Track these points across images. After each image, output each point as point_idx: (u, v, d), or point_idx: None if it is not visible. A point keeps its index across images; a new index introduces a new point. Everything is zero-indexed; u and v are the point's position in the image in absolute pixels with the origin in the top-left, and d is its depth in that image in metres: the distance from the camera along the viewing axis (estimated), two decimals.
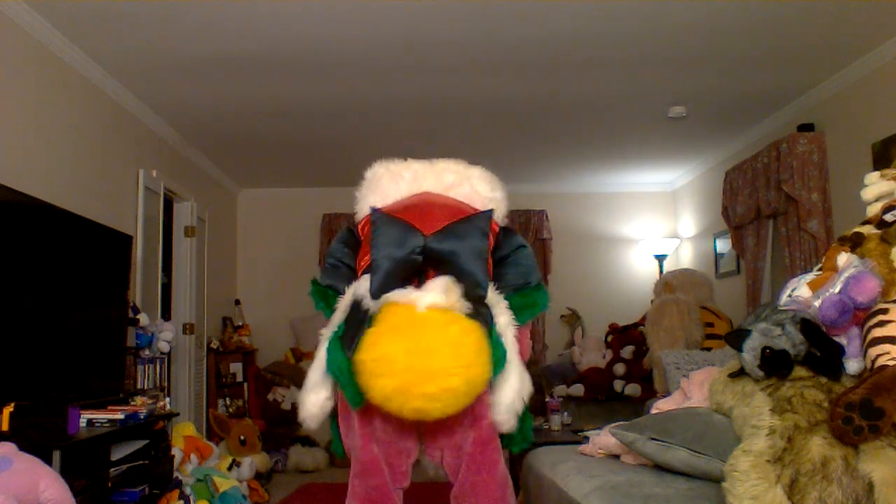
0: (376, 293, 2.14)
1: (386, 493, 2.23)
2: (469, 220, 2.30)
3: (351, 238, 2.48)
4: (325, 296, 2.38)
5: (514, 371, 2.16)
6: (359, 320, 2.14)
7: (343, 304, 2.25)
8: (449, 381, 1.94)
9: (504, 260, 2.39)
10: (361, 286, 2.23)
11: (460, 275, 2.18)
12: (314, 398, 2.22)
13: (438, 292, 2.06)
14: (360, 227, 2.50)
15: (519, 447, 2.37)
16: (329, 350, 2.16)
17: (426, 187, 2.50)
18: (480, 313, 2.14)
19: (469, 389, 1.98)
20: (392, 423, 2.19)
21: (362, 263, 2.36)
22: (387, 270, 2.18)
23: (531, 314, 2.34)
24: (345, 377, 2.09)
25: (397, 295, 2.09)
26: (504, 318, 2.20)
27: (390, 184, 2.52)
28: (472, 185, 2.52)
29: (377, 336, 2.01)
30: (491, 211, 2.35)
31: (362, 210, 2.54)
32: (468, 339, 2.00)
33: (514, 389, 2.15)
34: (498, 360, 2.12)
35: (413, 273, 2.22)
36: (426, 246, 2.20)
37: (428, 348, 1.95)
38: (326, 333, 2.22)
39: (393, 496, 2.25)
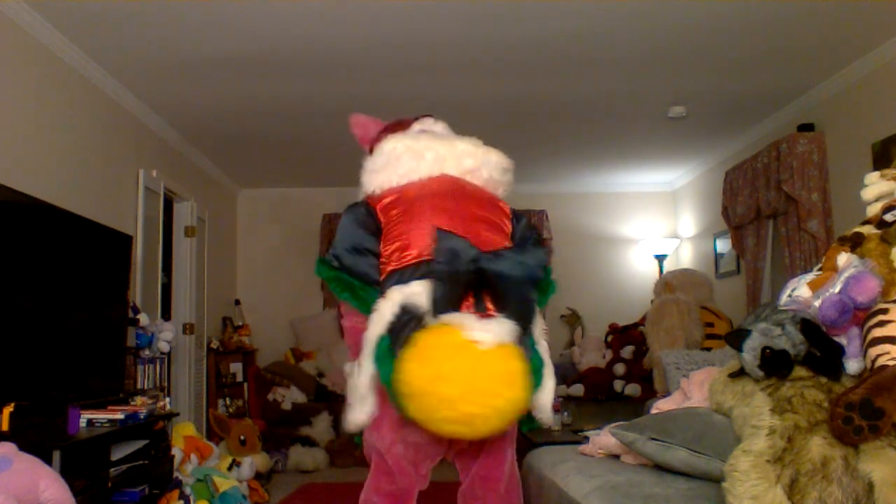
0: (437, 311, 2.11)
1: (411, 495, 2.23)
2: (532, 250, 2.29)
3: (370, 220, 2.34)
4: (351, 286, 2.28)
5: (550, 376, 2.24)
6: (409, 332, 2.10)
7: (388, 308, 2.16)
8: (488, 422, 2.00)
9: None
10: (412, 293, 2.16)
11: (511, 299, 2.18)
12: (367, 408, 2.17)
13: (501, 334, 2.04)
14: (378, 207, 2.35)
15: (528, 427, 2.37)
16: (380, 360, 2.12)
17: (446, 170, 2.43)
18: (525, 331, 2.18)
19: (503, 422, 2.06)
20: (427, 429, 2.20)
21: (392, 257, 2.26)
22: (449, 289, 2.13)
23: (545, 300, 2.40)
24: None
25: (455, 319, 2.07)
26: (540, 327, 2.27)
27: (410, 162, 2.40)
28: (489, 171, 2.51)
29: (419, 360, 2.01)
30: (549, 249, 2.36)
31: (372, 185, 2.40)
32: (516, 381, 2.03)
33: (550, 393, 2.24)
34: (536, 370, 2.17)
35: (467, 288, 2.20)
36: (482, 267, 2.17)
37: (425, 377, 1.98)
38: (372, 338, 2.15)
39: (414, 499, 2.25)
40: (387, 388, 2.10)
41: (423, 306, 2.12)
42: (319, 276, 2.36)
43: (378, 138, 2.57)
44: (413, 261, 2.24)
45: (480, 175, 2.48)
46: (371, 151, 2.56)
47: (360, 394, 2.17)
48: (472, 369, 1.97)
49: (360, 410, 2.17)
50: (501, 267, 2.15)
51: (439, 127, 2.66)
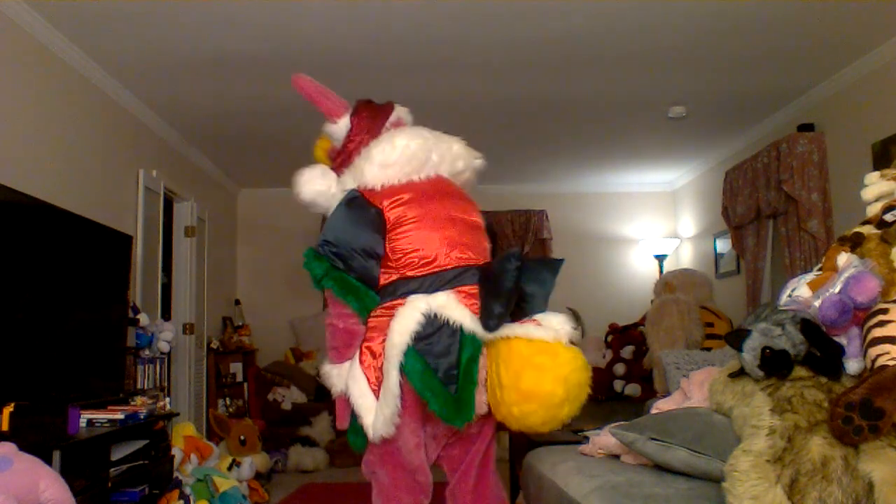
0: (496, 327, 2.17)
1: (428, 486, 2.27)
2: (554, 266, 2.39)
3: (380, 221, 2.27)
4: (356, 290, 2.24)
5: None
6: (447, 343, 2.14)
7: (412, 316, 2.16)
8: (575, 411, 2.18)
9: None
10: (440, 305, 2.18)
11: (529, 314, 2.27)
12: (396, 419, 2.17)
13: (570, 328, 2.20)
14: (385, 207, 2.29)
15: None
16: (413, 371, 2.12)
17: (440, 171, 2.43)
18: None
19: None
20: (441, 429, 2.25)
21: (405, 262, 2.24)
22: (508, 305, 2.21)
23: None
24: (439, 399, 2.11)
25: (535, 331, 2.16)
26: None
27: (418, 161, 2.37)
28: (470, 173, 2.53)
29: (556, 374, 2.11)
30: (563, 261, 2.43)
31: (379, 180, 2.31)
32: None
33: None
34: None
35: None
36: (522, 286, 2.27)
37: (578, 384, 2.14)
38: (398, 346, 2.13)
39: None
40: (428, 398, 2.12)
41: (455, 319, 2.16)
42: (312, 271, 2.27)
43: (368, 122, 2.50)
44: (436, 269, 2.25)
45: (463, 176, 2.50)
46: (358, 132, 2.47)
47: (390, 403, 2.13)
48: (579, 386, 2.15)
49: (389, 421, 2.14)
50: (531, 289, 2.28)
51: (410, 116, 2.67)
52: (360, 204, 2.30)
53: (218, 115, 5.12)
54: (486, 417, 2.27)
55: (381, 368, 2.19)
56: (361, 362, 2.23)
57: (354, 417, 2.27)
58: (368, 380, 2.21)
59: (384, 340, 2.21)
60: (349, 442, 2.35)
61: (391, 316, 2.21)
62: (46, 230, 3.27)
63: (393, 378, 2.13)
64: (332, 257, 2.25)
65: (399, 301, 2.22)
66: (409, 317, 2.16)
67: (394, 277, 2.26)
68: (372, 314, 2.26)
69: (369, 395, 2.20)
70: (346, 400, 2.27)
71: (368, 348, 2.23)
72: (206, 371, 5.95)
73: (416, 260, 2.25)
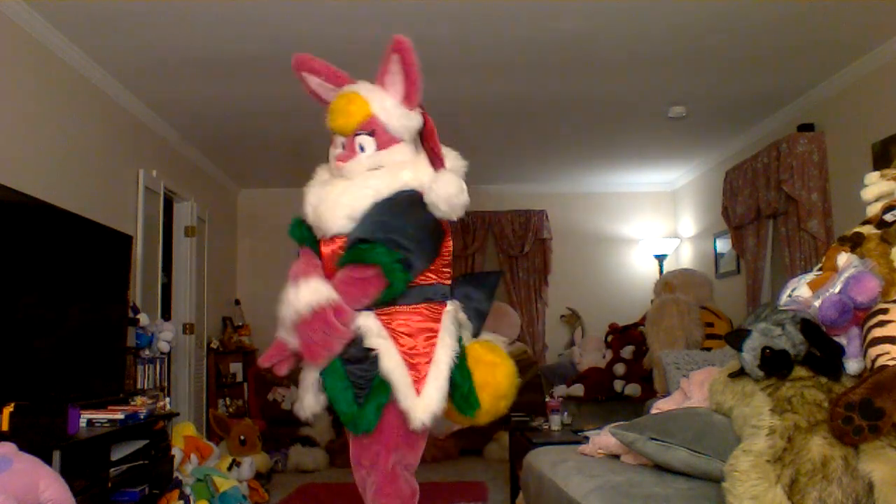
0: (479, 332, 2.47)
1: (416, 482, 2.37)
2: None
3: (443, 236, 2.42)
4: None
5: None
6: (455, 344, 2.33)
7: (452, 319, 2.34)
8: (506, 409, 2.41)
9: None
10: (458, 308, 2.41)
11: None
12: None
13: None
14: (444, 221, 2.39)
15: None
16: (461, 367, 2.28)
17: None
18: None
19: None
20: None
21: (439, 270, 2.37)
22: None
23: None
24: (474, 392, 2.31)
25: (488, 335, 2.46)
26: None
27: None
28: None
29: (505, 370, 2.35)
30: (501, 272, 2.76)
31: (460, 200, 2.36)
32: None
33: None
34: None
35: None
36: None
37: (513, 385, 2.37)
38: (452, 344, 2.28)
39: None
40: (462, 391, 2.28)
41: (463, 322, 2.41)
42: (377, 258, 2.23)
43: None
44: (450, 279, 2.44)
45: None
46: (428, 135, 2.58)
47: (442, 397, 2.21)
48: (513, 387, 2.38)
49: (439, 412, 2.22)
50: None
51: None
52: (435, 219, 2.37)
53: (218, 115, 5.12)
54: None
55: (428, 363, 2.24)
56: (404, 353, 2.25)
57: (372, 397, 2.23)
58: (412, 368, 2.23)
59: (428, 337, 2.28)
60: (360, 421, 2.23)
61: (433, 317, 2.32)
62: (46, 230, 3.26)
63: (447, 373, 2.23)
64: (401, 259, 2.24)
65: (444, 304, 2.35)
66: (454, 320, 2.34)
67: (433, 280, 2.36)
68: (410, 308, 2.30)
69: (412, 387, 2.22)
70: (284, 345, 2.34)
71: (413, 342, 2.27)
72: (206, 371, 5.95)
73: (446, 270, 2.41)
